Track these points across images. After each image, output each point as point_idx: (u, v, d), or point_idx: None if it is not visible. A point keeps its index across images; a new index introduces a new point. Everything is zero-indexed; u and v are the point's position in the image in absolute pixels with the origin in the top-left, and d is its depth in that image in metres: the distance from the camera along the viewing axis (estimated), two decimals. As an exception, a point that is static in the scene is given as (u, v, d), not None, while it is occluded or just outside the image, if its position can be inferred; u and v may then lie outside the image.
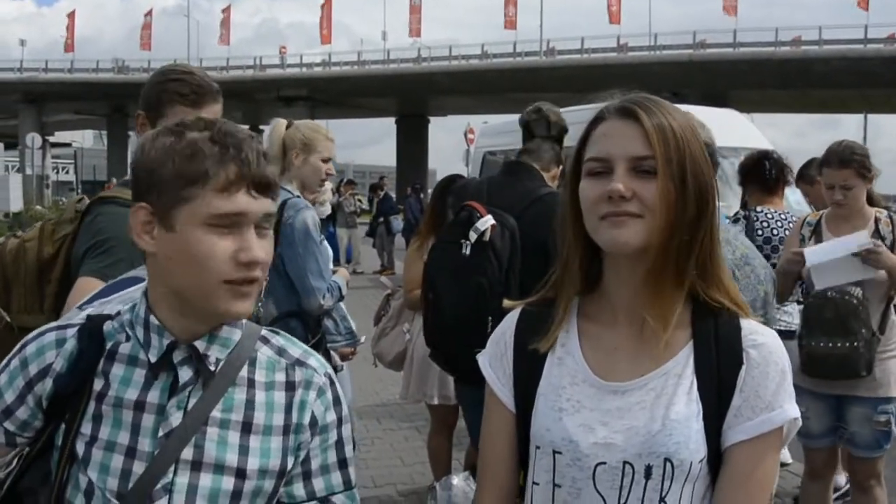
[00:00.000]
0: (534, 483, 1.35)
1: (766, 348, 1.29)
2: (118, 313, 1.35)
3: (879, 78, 33.49)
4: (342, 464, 1.39)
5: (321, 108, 45.31)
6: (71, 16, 56.18)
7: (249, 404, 1.31)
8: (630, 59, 38.78)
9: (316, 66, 47.99)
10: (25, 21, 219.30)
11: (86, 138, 77.69)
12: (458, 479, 3.98)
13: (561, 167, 3.68)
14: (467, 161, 17.35)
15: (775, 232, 4.10)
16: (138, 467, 1.26)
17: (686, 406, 1.26)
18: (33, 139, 29.37)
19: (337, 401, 1.39)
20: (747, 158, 4.43)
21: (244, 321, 1.36)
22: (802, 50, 36.87)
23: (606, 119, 1.31)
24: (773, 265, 3.88)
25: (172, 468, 1.26)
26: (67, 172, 66.18)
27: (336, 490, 1.38)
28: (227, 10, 55.60)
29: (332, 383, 1.39)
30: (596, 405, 1.31)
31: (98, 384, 1.30)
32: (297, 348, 1.40)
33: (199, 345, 1.29)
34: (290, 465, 1.33)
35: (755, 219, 4.14)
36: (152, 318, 1.29)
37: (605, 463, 1.27)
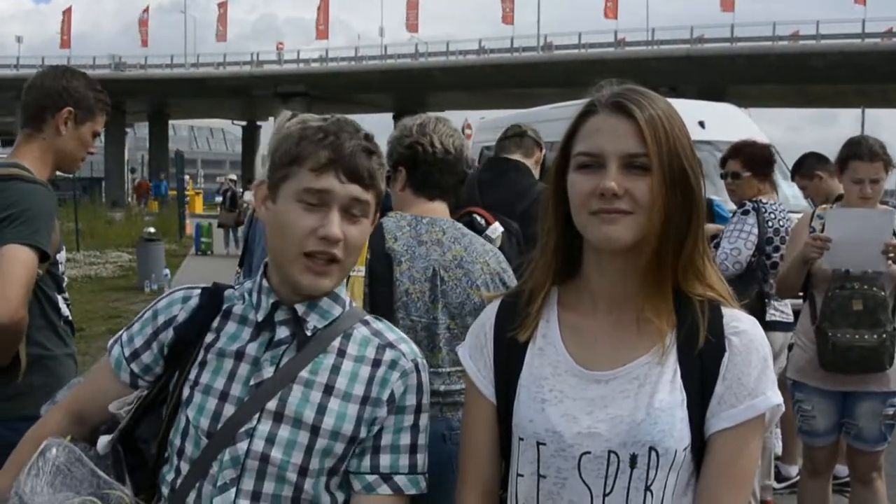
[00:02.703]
0: (518, 475, 1.34)
1: (748, 335, 1.29)
2: (241, 284, 1.54)
3: (877, 72, 33.46)
4: (413, 448, 1.45)
5: (318, 104, 45.19)
6: (67, 12, 56.07)
7: (335, 370, 1.42)
8: (627, 54, 38.71)
9: (313, 62, 47.85)
10: (22, 18, 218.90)
11: (83, 135, 77.49)
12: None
13: (543, 152, 3.64)
14: (465, 157, 17.29)
15: (782, 223, 4.10)
16: (228, 410, 1.38)
17: (670, 394, 1.26)
18: (30, 136, 29.24)
19: (420, 388, 1.46)
20: (758, 149, 4.31)
21: (349, 302, 1.49)
22: (800, 45, 36.82)
23: (598, 113, 1.30)
24: (782, 256, 3.87)
25: (257, 416, 1.37)
26: (64, 169, 66.00)
27: (401, 471, 1.44)
28: (223, 6, 55.49)
29: (418, 370, 1.46)
30: (579, 395, 1.30)
31: (210, 337, 1.47)
32: (393, 334, 1.50)
33: (299, 308, 1.44)
34: (362, 434, 1.41)
35: (764, 210, 4.11)
36: (264, 282, 1.47)
37: (589, 452, 1.27)
